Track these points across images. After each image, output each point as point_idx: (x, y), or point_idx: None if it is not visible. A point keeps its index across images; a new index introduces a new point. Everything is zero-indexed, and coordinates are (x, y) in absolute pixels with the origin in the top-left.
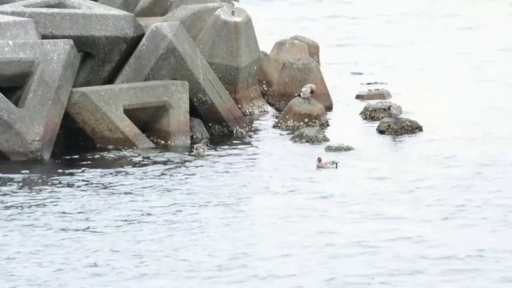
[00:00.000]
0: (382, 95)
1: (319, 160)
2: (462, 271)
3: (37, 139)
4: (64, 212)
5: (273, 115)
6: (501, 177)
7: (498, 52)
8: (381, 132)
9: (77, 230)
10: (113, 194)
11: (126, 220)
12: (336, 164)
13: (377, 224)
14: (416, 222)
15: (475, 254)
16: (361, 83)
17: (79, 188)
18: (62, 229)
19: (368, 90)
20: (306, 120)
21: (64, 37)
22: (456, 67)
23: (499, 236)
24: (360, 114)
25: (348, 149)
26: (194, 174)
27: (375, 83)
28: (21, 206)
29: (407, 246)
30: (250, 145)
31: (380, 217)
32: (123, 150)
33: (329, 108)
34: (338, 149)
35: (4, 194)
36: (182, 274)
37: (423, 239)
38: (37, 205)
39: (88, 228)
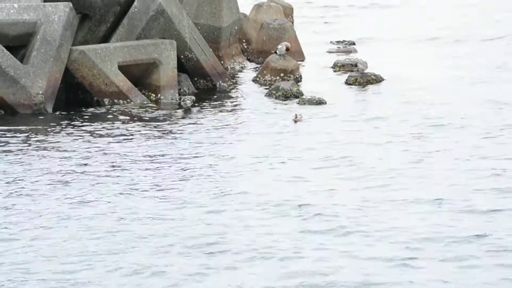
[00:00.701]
0: (349, 52)
1: (296, 116)
2: (422, 211)
3: (40, 92)
4: (64, 158)
5: (252, 70)
6: (458, 123)
7: (460, 9)
8: (349, 84)
9: (76, 174)
10: (109, 142)
11: (119, 166)
12: (301, 115)
13: (348, 170)
14: (383, 168)
15: (434, 197)
16: (331, 41)
17: (79, 138)
18: (63, 175)
19: (337, 47)
20: (281, 74)
21: (64, 0)
22: (420, 26)
23: (456, 181)
24: (330, 68)
25: (319, 101)
26: (181, 126)
27: (343, 41)
28: (24, 154)
29: (373, 191)
30: (232, 98)
31: (350, 163)
32: (118, 102)
33: (302, 63)
34: (311, 101)
35: (11, 144)
36: (168, 214)
37: (389, 184)
38: (39, 152)
39: (85, 172)
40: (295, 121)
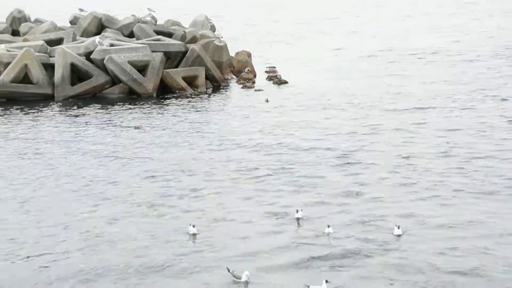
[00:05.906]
0: (274, 71)
1: (266, 99)
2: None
3: (151, 88)
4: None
5: (234, 80)
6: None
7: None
8: (274, 84)
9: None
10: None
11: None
12: (268, 99)
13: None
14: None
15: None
16: (266, 65)
17: (173, 106)
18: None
19: (269, 68)
20: (247, 80)
21: (159, 51)
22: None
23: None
24: (266, 78)
25: (260, 89)
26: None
27: (271, 66)
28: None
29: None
30: (227, 92)
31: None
32: (179, 94)
33: (255, 76)
34: (258, 90)
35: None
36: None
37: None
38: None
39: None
40: (267, 101)
